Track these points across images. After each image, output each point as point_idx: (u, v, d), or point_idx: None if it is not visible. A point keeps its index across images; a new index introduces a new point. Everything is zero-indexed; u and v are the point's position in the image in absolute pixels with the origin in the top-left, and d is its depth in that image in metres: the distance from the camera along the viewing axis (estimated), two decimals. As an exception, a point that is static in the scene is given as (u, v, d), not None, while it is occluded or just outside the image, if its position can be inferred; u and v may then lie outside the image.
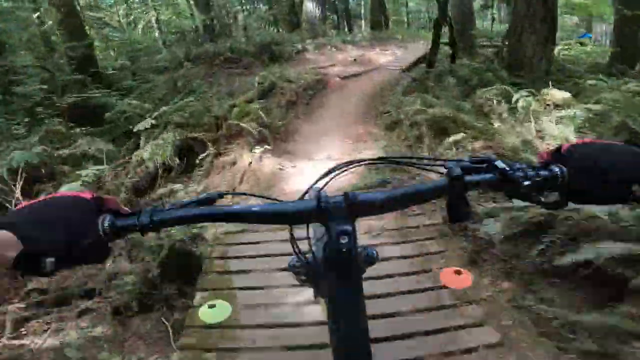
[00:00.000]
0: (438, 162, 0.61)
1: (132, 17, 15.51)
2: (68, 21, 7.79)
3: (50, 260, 0.45)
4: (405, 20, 23.60)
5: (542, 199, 0.58)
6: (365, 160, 0.64)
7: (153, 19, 14.23)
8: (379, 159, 0.69)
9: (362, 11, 23.47)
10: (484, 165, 0.58)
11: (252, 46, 10.91)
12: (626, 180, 0.52)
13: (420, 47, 10.93)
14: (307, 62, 10.28)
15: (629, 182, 0.52)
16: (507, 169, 0.56)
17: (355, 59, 10.33)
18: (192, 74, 8.93)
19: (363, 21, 22.26)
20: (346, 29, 19.43)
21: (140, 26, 14.82)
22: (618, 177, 0.53)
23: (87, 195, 0.51)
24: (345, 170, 0.60)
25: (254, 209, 0.56)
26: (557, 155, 0.57)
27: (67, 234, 0.47)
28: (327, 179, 0.58)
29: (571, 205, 0.58)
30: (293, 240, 0.59)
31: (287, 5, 15.15)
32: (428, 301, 2.05)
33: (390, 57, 10.76)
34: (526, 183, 0.54)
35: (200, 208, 0.55)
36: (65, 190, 1.03)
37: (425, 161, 0.68)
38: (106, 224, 0.49)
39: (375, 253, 0.62)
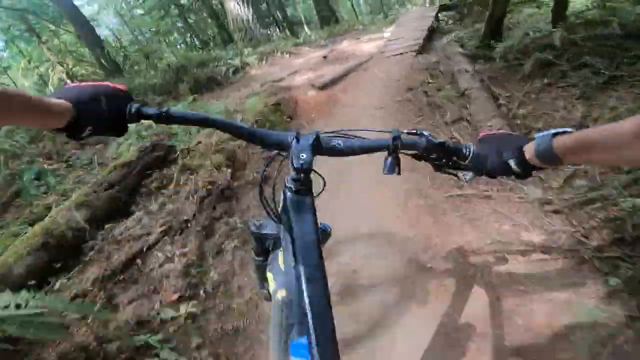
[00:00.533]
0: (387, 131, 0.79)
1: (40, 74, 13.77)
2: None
3: (89, 128, 0.66)
4: (354, 10, 20.43)
5: (459, 174, 0.84)
6: (338, 132, 0.84)
7: (63, 74, 11.98)
8: (346, 130, 0.86)
9: (302, 17, 20.13)
10: (417, 137, 0.81)
11: (162, 77, 6.83)
12: (503, 157, 0.73)
13: (409, 23, 7.36)
14: (254, 80, 6.32)
15: (506, 159, 0.73)
16: (431, 138, 0.79)
17: (325, 56, 6.46)
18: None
19: (306, 26, 18.92)
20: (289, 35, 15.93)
21: (51, 83, 12.46)
22: (498, 154, 0.74)
23: (124, 87, 0.72)
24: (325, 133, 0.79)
25: (244, 126, 0.77)
26: (478, 140, 0.81)
27: (104, 113, 0.67)
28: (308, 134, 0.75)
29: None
30: (262, 197, 0.78)
31: (208, 14, 11.23)
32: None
33: (378, 42, 7.01)
34: (437, 141, 0.79)
35: (203, 115, 0.73)
36: (107, 82, 0.76)
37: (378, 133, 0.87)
38: (133, 108, 0.69)
39: (329, 228, 0.97)
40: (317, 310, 0.59)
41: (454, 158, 0.80)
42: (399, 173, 0.78)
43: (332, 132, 0.83)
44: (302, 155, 0.67)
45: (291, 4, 23.25)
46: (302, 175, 0.67)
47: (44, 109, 0.59)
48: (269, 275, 0.95)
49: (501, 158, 0.73)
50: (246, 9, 9.61)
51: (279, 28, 19.25)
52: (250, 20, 9.68)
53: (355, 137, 0.83)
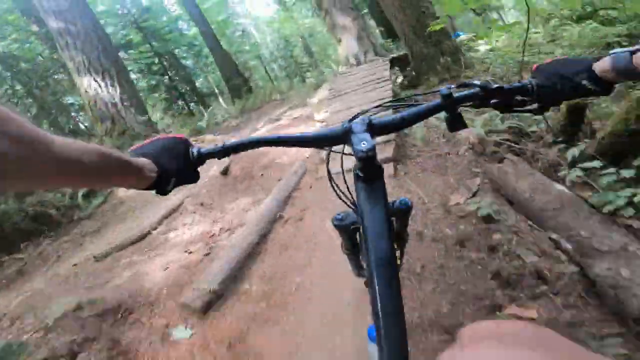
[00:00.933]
0: (435, 92, 0.77)
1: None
2: None
3: (173, 179, 0.68)
4: (268, 76, 18.69)
5: (523, 107, 0.74)
6: (377, 107, 0.85)
7: None
8: (391, 102, 0.91)
9: (215, 88, 17.91)
10: (470, 87, 0.74)
11: None
12: (573, 79, 0.68)
13: (353, 94, 5.03)
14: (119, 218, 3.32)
15: (577, 80, 0.67)
16: (486, 83, 0.72)
17: (225, 171, 3.72)
18: None
19: (220, 97, 16.67)
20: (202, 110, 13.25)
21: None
22: (566, 78, 0.69)
23: (183, 136, 0.74)
24: (367, 113, 0.78)
25: (297, 135, 0.75)
26: (532, 73, 0.75)
27: (180, 164, 0.69)
28: (357, 115, 0.75)
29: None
30: (328, 163, 0.81)
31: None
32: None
33: (309, 123, 4.53)
34: (496, 86, 0.71)
35: (259, 136, 0.76)
36: (166, 134, 1.02)
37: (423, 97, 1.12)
38: (194, 152, 0.72)
39: (409, 202, 0.90)
40: (385, 303, 0.58)
41: (517, 97, 0.73)
42: (464, 126, 0.75)
43: (379, 106, 0.85)
44: (363, 144, 0.63)
45: (202, 74, 20.94)
46: (369, 161, 0.64)
47: (136, 170, 0.60)
48: (364, 264, 0.97)
49: (571, 80, 0.68)
50: (109, 88, 6.64)
51: (187, 105, 16.61)
52: (119, 104, 6.69)
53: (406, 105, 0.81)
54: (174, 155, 0.69)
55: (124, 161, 0.57)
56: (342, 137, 0.71)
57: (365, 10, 16.39)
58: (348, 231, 0.98)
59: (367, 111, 0.78)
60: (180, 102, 17.42)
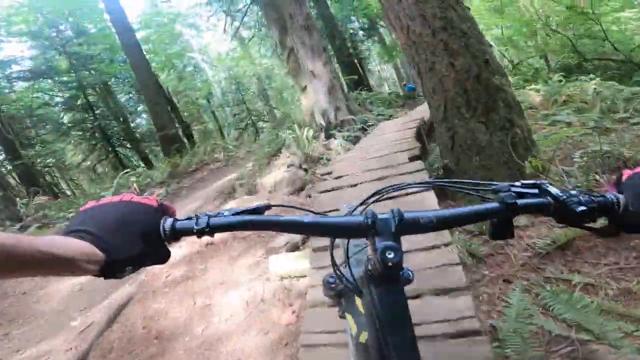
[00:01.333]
0: (488, 187, 0.60)
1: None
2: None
3: (128, 268, 0.50)
4: (216, 122, 16.12)
5: (595, 226, 0.55)
6: (412, 184, 0.69)
7: None
8: (426, 182, 0.72)
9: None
10: (535, 190, 0.58)
11: None
12: None
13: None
14: None
15: None
16: (560, 194, 0.55)
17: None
18: None
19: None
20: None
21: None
22: None
23: (154, 202, 0.54)
24: (393, 192, 0.66)
25: (305, 220, 0.56)
26: (619, 182, 0.56)
27: (143, 245, 0.50)
28: (373, 199, 0.63)
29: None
30: (332, 254, 0.64)
31: None
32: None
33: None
34: (581, 209, 0.52)
35: (254, 216, 0.56)
36: (130, 193, 0.55)
37: (473, 185, 0.66)
38: (167, 226, 0.53)
39: (411, 274, 0.72)
40: None
41: (595, 214, 0.54)
42: (512, 236, 0.59)
43: (419, 183, 0.70)
44: (389, 254, 0.51)
45: (139, 111, 17.91)
46: (390, 270, 0.51)
47: (61, 262, 0.42)
48: (348, 316, 0.83)
49: None
50: None
51: (114, 149, 13.49)
52: None
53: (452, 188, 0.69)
54: (134, 232, 0.50)
55: (38, 253, 0.40)
56: (361, 230, 0.55)
57: (331, 53, 14.83)
58: (338, 294, 0.90)
59: (399, 186, 0.66)
60: (104, 145, 14.25)
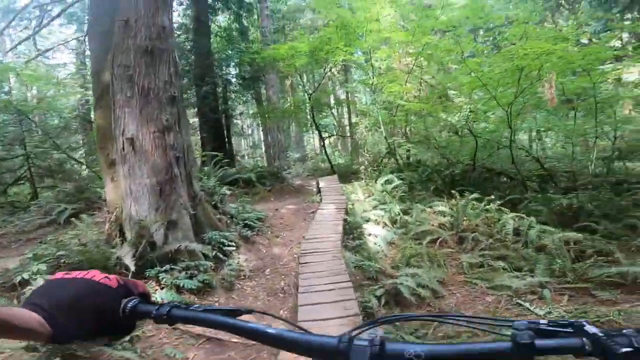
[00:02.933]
0: (504, 323, 0.50)
1: None
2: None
3: (77, 341, 0.62)
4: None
5: None
6: (420, 317, 0.59)
7: None
8: (433, 316, 0.67)
9: None
10: (569, 329, 0.46)
11: None
12: None
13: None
14: None
15: None
16: (601, 334, 0.43)
17: None
18: None
19: None
20: None
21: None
22: None
23: (114, 283, 0.57)
24: (392, 322, 0.58)
25: (269, 331, 0.54)
26: None
27: (94, 326, 0.54)
28: (365, 327, 0.53)
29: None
30: None
31: None
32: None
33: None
34: (624, 350, 0.40)
35: (218, 316, 0.56)
36: (94, 271, 0.58)
37: (489, 321, 0.54)
38: (129, 307, 0.56)
39: None
40: None
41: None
42: None
43: (399, 317, 0.60)
44: None
45: None
46: None
47: (22, 329, 0.48)
48: None
49: None
50: None
51: None
52: None
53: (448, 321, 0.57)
54: (86, 313, 0.53)
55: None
56: (331, 354, 0.49)
57: (186, 103, 11.38)
58: None
59: (385, 320, 0.55)
60: None
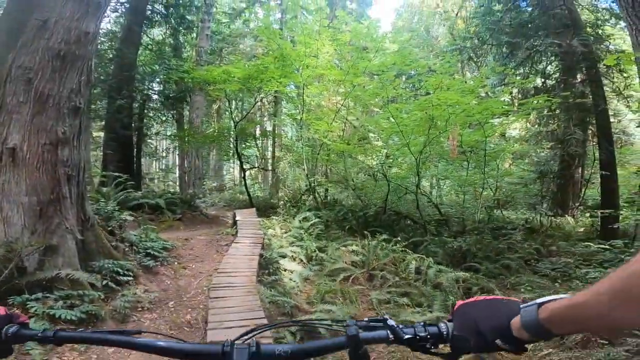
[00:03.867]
0: (341, 324, 0.68)
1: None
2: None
3: None
4: None
5: (434, 350, 0.65)
6: (279, 324, 1.28)
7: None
8: (294, 322, 1.12)
9: None
10: (380, 324, 0.66)
11: None
12: (487, 336, 0.61)
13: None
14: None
15: (491, 338, 0.61)
16: (396, 326, 0.65)
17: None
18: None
19: None
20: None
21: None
22: (481, 333, 0.62)
23: (2, 310, 0.65)
24: (263, 331, 0.70)
25: (159, 343, 0.60)
26: (452, 313, 0.68)
27: None
28: (243, 336, 0.65)
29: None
30: None
31: None
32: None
33: None
34: (407, 337, 0.63)
35: (113, 335, 0.61)
36: None
37: (330, 322, 0.83)
38: (10, 331, 0.62)
39: None
40: None
41: (432, 340, 0.65)
42: None
43: (271, 325, 0.84)
44: None
45: None
46: None
47: None
48: None
49: (486, 338, 0.62)
50: None
51: None
52: None
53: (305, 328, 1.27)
54: None
55: None
56: (217, 357, 0.59)
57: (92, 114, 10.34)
58: None
59: (262, 328, 0.70)
60: None
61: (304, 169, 9.89)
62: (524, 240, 7.52)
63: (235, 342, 0.60)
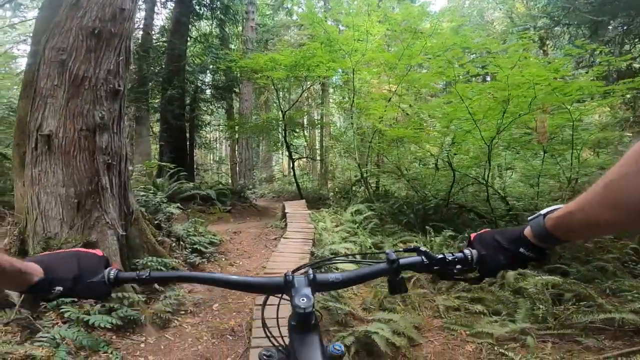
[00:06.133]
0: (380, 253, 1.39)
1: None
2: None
3: (58, 288, 0.61)
4: None
5: (464, 276, 0.74)
6: (327, 260, 1.13)
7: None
8: (335, 257, 1.46)
9: None
10: (414, 253, 0.75)
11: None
12: (511, 248, 0.67)
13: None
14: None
15: (515, 249, 0.67)
16: (428, 251, 0.73)
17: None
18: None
19: None
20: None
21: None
22: (504, 249, 0.68)
23: (100, 253, 0.68)
24: (320, 266, 0.78)
25: (232, 277, 0.69)
26: (469, 241, 0.76)
27: (76, 274, 0.62)
28: (300, 268, 0.74)
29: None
30: (262, 313, 0.72)
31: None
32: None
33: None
34: (440, 256, 0.73)
35: (188, 272, 0.74)
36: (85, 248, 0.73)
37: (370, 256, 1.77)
38: (111, 274, 0.66)
39: (341, 348, 0.72)
40: None
41: (458, 266, 0.73)
42: (405, 291, 0.75)
43: (322, 260, 0.88)
44: (302, 299, 0.63)
45: None
46: (305, 317, 0.63)
47: (13, 272, 0.56)
48: None
49: (509, 250, 0.69)
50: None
51: None
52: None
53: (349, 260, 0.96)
54: (76, 267, 0.63)
55: None
56: (283, 287, 0.68)
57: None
58: None
59: (313, 264, 0.75)
60: None
61: (355, 158, 9.18)
62: (617, 239, 6.18)
63: (294, 274, 0.67)
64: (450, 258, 0.72)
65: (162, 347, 2.77)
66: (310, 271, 0.68)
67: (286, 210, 7.08)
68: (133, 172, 7.37)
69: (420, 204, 7.33)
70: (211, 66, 11.36)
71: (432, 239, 5.58)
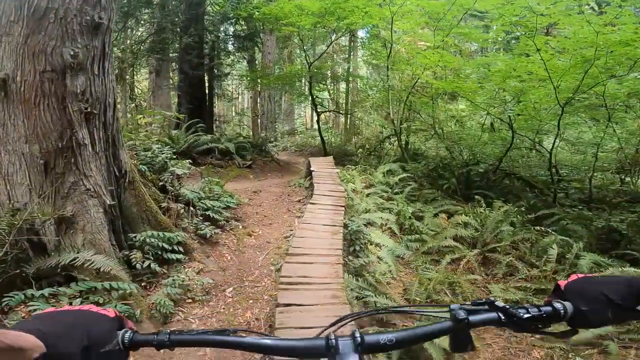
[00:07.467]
0: (442, 308, 0.62)
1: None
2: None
3: None
4: None
5: (550, 330, 0.59)
6: (374, 311, 0.92)
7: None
8: (386, 309, 0.94)
9: None
10: (486, 306, 0.59)
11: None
12: (623, 299, 0.56)
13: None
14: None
15: (628, 301, 0.55)
16: (508, 307, 0.58)
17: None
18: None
19: None
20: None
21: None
22: (616, 299, 0.56)
23: (111, 313, 0.55)
24: (355, 319, 0.65)
25: (266, 342, 0.56)
26: (559, 291, 0.61)
27: (85, 345, 0.49)
28: (337, 325, 0.62)
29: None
30: None
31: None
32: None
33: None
34: (526, 316, 0.57)
35: (216, 336, 0.57)
36: (90, 304, 0.55)
37: (430, 308, 0.74)
38: (126, 339, 0.53)
39: None
40: None
41: (546, 320, 0.58)
42: (473, 348, 0.59)
43: (370, 312, 0.76)
44: None
45: None
46: None
47: (15, 348, 0.44)
48: None
49: (623, 307, 0.56)
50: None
51: None
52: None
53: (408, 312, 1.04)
54: (84, 337, 0.50)
55: None
56: (325, 352, 0.55)
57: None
58: None
59: (356, 315, 0.66)
60: None
61: (388, 113, 8.03)
62: None
63: (336, 333, 0.56)
64: (536, 314, 0.57)
65: (162, 351, 2.15)
66: (357, 333, 0.54)
67: (312, 168, 6.24)
68: (142, 124, 6.60)
69: (464, 167, 6.28)
70: (232, 13, 9.96)
71: (482, 211, 4.65)
